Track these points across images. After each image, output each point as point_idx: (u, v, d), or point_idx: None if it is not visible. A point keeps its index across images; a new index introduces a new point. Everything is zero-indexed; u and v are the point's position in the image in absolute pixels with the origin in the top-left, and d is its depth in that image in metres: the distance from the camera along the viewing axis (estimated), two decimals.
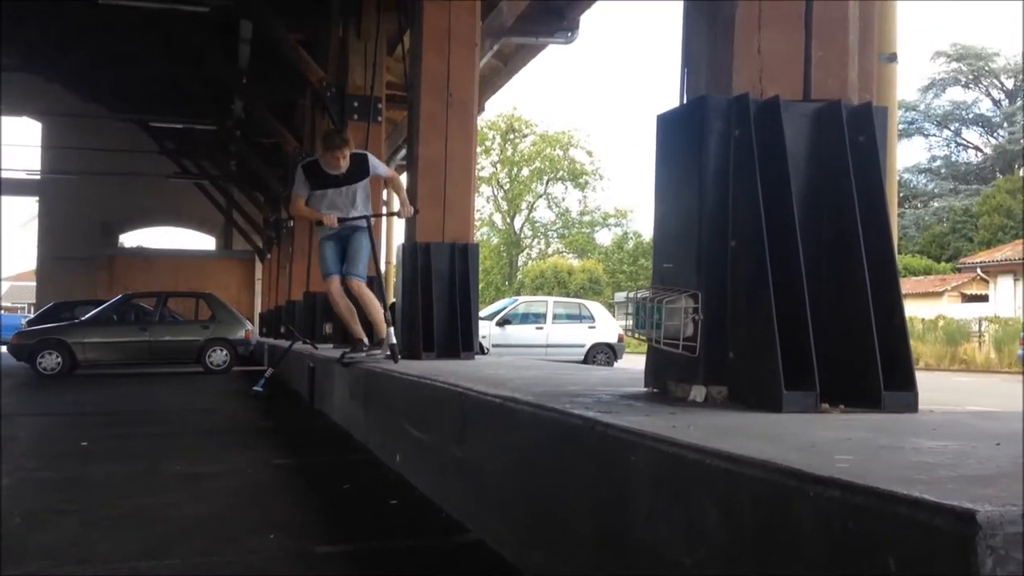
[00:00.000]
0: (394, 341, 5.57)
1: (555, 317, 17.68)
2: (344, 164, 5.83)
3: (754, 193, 2.38)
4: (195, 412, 7.73)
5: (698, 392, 2.40)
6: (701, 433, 1.78)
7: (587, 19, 9.41)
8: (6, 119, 26.24)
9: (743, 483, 1.48)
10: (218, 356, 13.55)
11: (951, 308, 29.89)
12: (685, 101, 2.73)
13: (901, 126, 46.84)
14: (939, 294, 32.34)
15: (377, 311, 5.90)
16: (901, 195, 45.69)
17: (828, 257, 2.42)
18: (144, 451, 5.15)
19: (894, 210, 2.71)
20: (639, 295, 2.66)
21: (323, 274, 6.16)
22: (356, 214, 5.96)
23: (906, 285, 31.94)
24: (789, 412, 2.20)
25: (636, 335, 2.67)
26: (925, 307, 29.24)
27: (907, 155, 51.61)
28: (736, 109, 2.45)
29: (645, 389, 2.76)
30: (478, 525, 2.92)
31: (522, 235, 50.35)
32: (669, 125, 2.71)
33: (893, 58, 2.85)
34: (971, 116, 49.01)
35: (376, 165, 6.08)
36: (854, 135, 2.40)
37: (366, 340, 6.02)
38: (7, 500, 3.66)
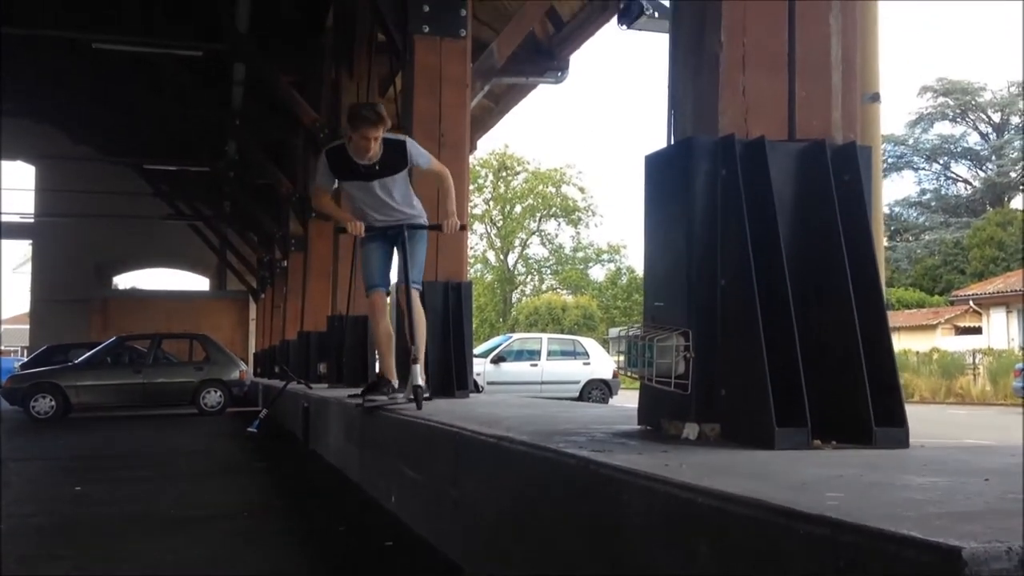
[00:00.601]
0: (420, 382, 4.48)
1: (550, 354, 17.68)
2: (376, 150, 4.61)
3: (742, 232, 2.41)
4: (189, 454, 7.69)
5: (691, 430, 2.41)
6: (693, 471, 1.79)
7: (576, 58, 9.64)
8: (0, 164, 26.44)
9: (734, 521, 1.49)
10: (212, 397, 13.50)
11: (945, 341, 29.95)
12: (672, 142, 2.78)
13: (891, 160, 47.44)
14: (932, 327, 32.43)
15: (422, 335, 4.76)
16: (892, 228, 46.12)
17: (816, 294, 2.44)
18: (138, 495, 5.13)
19: (880, 247, 2.74)
20: (631, 333, 2.68)
21: (366, 286, 4.95)
22: (400, 212, 4.82)
23: (899, 318, 32.09)
24: (781, 449, 2.21)
25: (628, 373, 2.69)
26: (919, 340, 29.29)
27: (897, 189, 52.17)
28: (722, 149, 2.49)
29: (639, 427, 2.77)
30: (473, 565, 2.91)
31: (516, 272, 50.50)
32: (657, 165, 2.75)
33: (876, 98, 2.90)
34: (959, 150, 49.55)
35: (417, 153, 4.79)
36: (839, 174, 2.45)
37: (395, 381, 4.88)
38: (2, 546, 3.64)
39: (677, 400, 2.47)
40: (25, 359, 22.98)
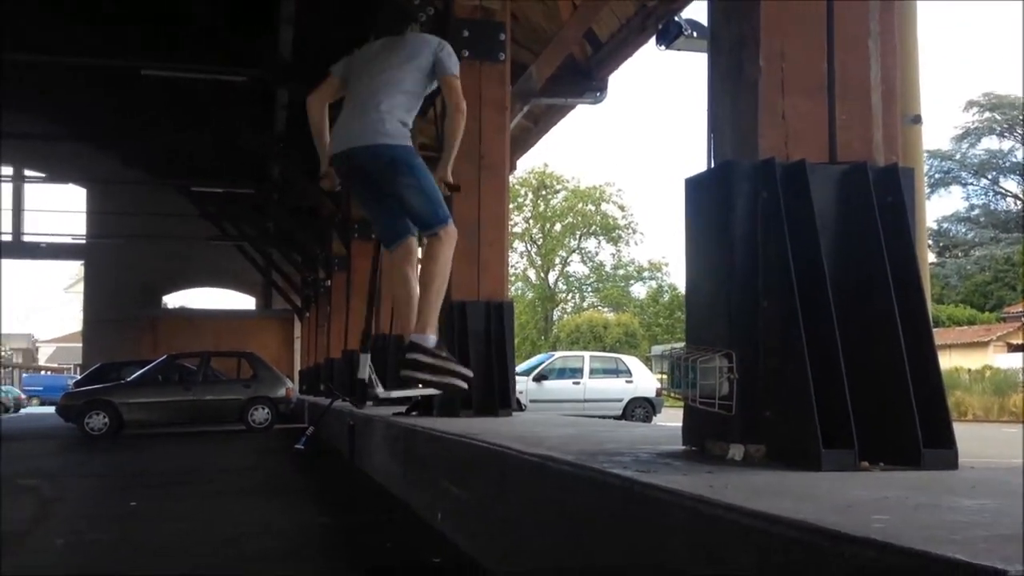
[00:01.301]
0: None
1: (592, 372, 17.64)
2: None
3: (784, 254, 2.43)
4: (238, 471, 7.83)
5: (736, 451, 2.42)
6: (738, 493, 1.81)
7: (615, 78, 9.72)
8: (53, 187, 27.24)
9: (779, 543, 1.51)
10: (260, 414, 13.70)
11: (997, 358, 29.29)
12: (712, 165, 2.81)
13: (937, 175, 46.65)
14: (984, 344, 31.76)
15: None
16: (941, 245, 45.33)
17: (861, 315, 2.45)
18: (191, 511, 5.23)
19: (925, 268, 2.74)
20: (674, 353, 2.71)
21: (445, 217, 4.08)
22: None
23: (950, 335, 31.48)
24: (828, 470, 2.21)
25: (673, 393, 2.71)
26: (971, 358, 28.68)
27: (945, 204, 51.31)
28: (763, 173, 2.52)
29: (683, 447, 2.79)
30: None
31: (556, 289, 50.44)
32: (697, 188, 2.78)
33: (917, 120, 2.91)
34: (1008, 164, 48.56)
35: None
36: (881, 196, 2.46)
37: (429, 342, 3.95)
38: (60, 562, 3.75)
39: (721, 421, 2.49)
40: (78, 376, 23.55)
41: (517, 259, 48.46)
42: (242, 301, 29.57)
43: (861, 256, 2.46)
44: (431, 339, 3.91)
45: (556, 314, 49.72)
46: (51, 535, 4.59)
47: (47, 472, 7.85)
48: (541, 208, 49.50)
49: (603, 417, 13.71)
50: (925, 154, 3.38)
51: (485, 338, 6.31)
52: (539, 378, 16.93)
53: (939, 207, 48.36)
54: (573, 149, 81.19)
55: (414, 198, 3.98)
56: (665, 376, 2.80)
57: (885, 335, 2.38)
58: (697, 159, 2.91)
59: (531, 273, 50.06)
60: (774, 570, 1.53)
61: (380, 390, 3.98)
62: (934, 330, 2.56)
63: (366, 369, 3.92)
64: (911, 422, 2.30)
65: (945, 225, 47.93)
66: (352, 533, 4.44)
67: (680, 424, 2.90)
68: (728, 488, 1.88)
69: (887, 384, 2.36)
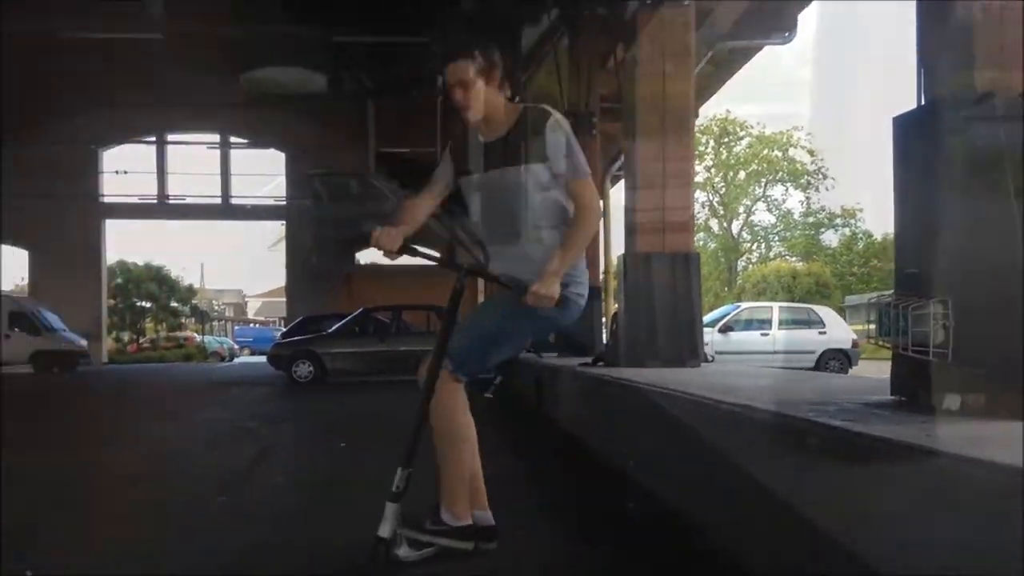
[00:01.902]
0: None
1: (781, 323, 17.11)
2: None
3: (1004, 195, 2.28)
4: None
5: (952, 400, 2.33)
6: (960, 442, 1.75)
7: (805, 16, 9.24)
8: (256, 152, 29.31)
9: (1012, 494, 1.46)
10: None
11: None
12: (923, 102, 2.66)
13: None
14: None
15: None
16: None
17: None
18: (394, 452, 5.57)
19: None
20: (882, 301, 2.61)
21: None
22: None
23: None
24: None
25: (880, 342, 2.63)
26: None
27: None
28: (980, 109, 2.36)
29: (891, 398, 2.70)
30: (719, 534, 2.97)
31: (740, 239, 48.95)
32: (907, 127, 2.64)
33: None
34: None
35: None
36: None
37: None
38: (280, 496, 4.13)
39: (935, 370, 2.39)
40: (284, 328, 25.44)
41: (699, 209, 47.22)
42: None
43: None
44: None
45: (740, 264, 48.32)
46: (270, 472, 5.04)
47: (263, 416, 8.59)
48: (724, 156, 47.97)
49: (794, 369, 13.32)
50: None
51: (671, 288, 6.29)
52: (725, 329, 16.62)
53: None
54: (758, 93, 77.69)
55: None
56: (863, 327, 2.71)
57: None
58: (903, 98, 2.75)
59: (713, 223, 48.78)
60: (1006, 519, 1.48)
61: (404, 552, 2.94)
62: None
63: (392, 523, 2.86)
64: None
65: None
66: (543, 479, 4.60)
67: (882, 376, 2.81)
68: (947, 438, 1.83)
69: None
